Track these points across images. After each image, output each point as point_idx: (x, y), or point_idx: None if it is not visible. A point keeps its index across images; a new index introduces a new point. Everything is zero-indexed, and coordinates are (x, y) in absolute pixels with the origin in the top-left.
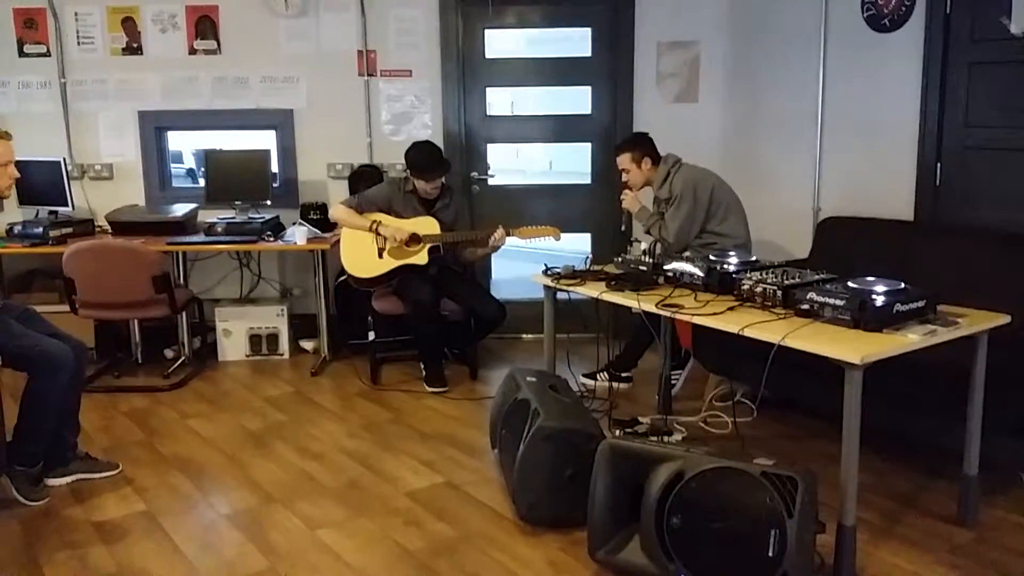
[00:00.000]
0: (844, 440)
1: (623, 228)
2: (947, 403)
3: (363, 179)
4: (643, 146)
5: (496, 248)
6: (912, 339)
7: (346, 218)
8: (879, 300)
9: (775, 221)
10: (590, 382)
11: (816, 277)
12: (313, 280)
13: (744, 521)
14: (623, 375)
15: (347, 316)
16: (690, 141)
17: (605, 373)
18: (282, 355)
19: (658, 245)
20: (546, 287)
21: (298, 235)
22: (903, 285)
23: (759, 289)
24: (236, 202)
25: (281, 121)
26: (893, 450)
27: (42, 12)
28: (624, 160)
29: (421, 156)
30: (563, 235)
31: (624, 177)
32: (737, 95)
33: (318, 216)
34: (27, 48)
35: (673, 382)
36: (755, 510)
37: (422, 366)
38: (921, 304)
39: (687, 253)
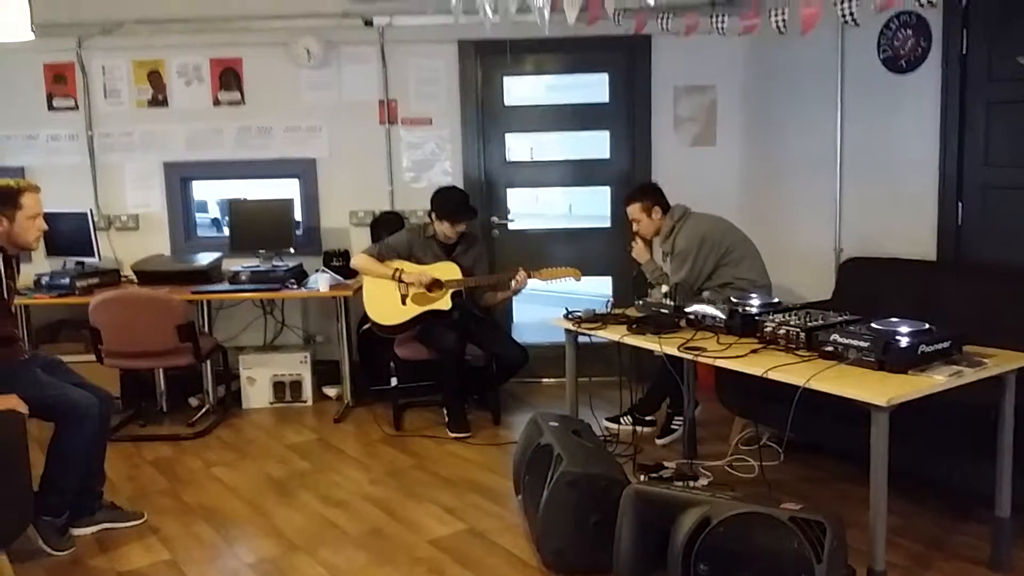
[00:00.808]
0: (872, 483)
1: (635, 274)
2: (975, 444)
3: (385, 226)
4: (652, 196)
5: (517, 291)
6: (938, 380)
7: (368, 267)
8: (904, 341)
9: (797, 262)
10: (613, 426)
11: (840, 319)
12: (336, 327)
13: (773, 567)
14: (647, 419)
15: (370, 362)
16: (708, 184)
17: (629, 417)
18: (305, 402)
19: (679, 288)
20: (567, 331)
21: (321, 282)
22: (927, 326)
23: (782, 331)
24: (260, 250)
25: (304, 170)
26: (921, 492)
27: (71, 67)
28: (634, 210)
29: (451, 202)
30: (584, 278)
31: (635, 227)
32: (755, 137)
33: (341, 263)
34: (56, 102)
35: (674, 428)
36: (783, 556)
37: (445, 412)
38: (946, 345)
39: (706, 294)
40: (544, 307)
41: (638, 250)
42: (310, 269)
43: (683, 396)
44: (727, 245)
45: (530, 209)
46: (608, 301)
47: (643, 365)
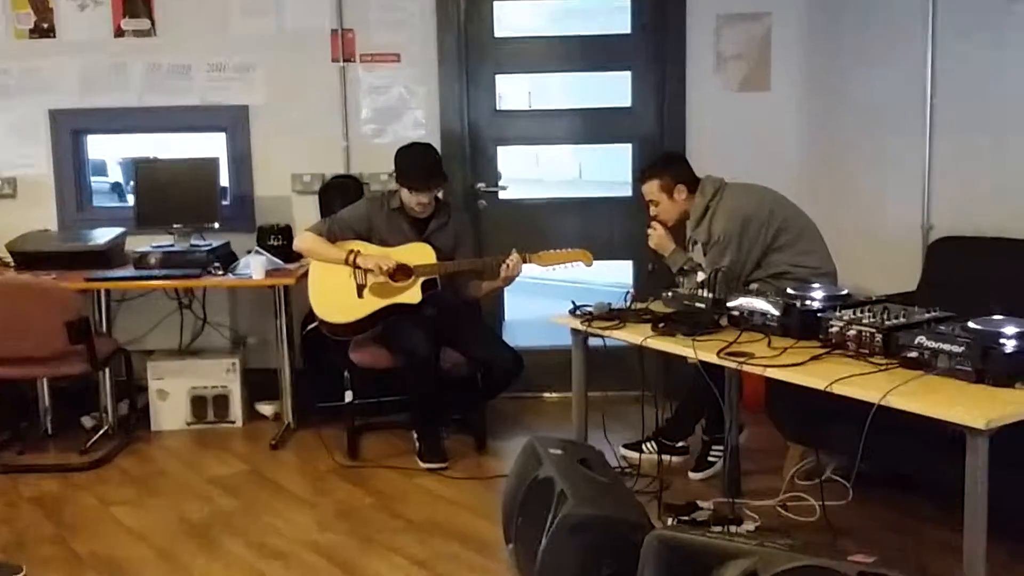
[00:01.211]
0: (967, 527)
1: (651, 267)
2: None
3: (338, 194)
4: (674, 170)
5: (510, 280)
6: None
7: (315, 248)
8: (1009, 346)
9: (872, 243)
10: (634, 454)
11: (927, 316)
12: (274, 325)
13: None
14: (677, 445)
15: (317, 371)
16: (759, 141)
17: (654, 443)
18: (233, 422)
19: (719, 276)
20: (574, 331)
21: (254, 267)
22: None
23: (852, 332)
24: (175, 226)
25: (233, 121)
26: None
27: None
28: (651, 190)
29: (412, 163)
30: (598, 263)
31: (652, 210)
32: (820, 81)
33: (280, 242)
34: None
35: (712, 458)
36: None
37: (415, 436)
38: None
39: (754, 286)
40: (544, 300)
41: (658, 239)
42: (240, 250)
43: (723, 417)
44: (778, 224)
45: (528, 173)
46: (628, 293)
47: (672, 376)
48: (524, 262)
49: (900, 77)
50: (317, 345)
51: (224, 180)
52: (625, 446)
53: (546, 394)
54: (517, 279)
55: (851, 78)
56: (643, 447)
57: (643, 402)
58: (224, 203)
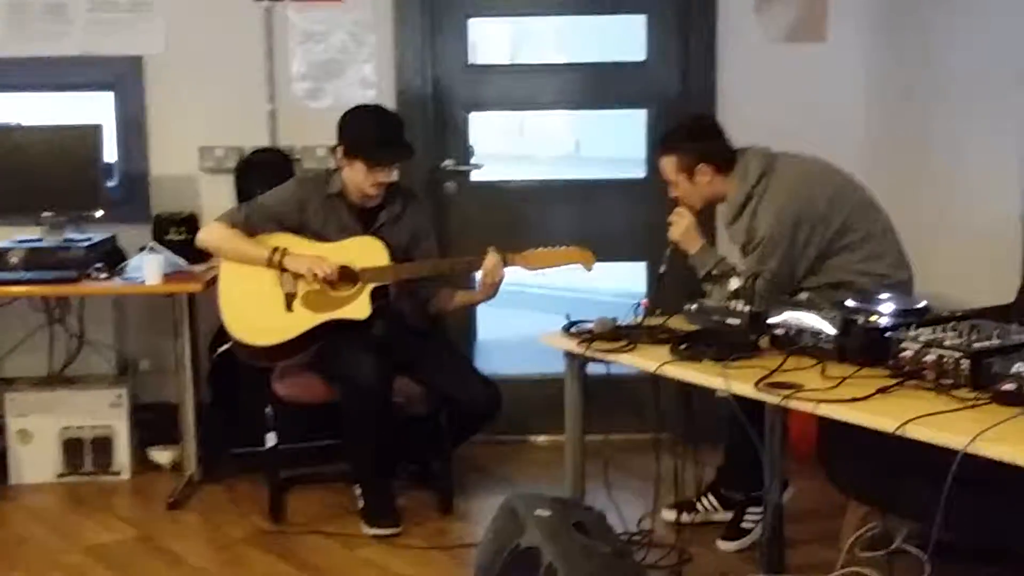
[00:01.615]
0: None
1: (662, 269)
2: None
3: (260, 174)
4: (698, 144)
5: (491, 289)
6: None
7: (227, 244)
8: None
9: (956, 241)
10: (684, 517)
11: None
12: (173, 347)
13: None
14: (749, 495)
15: (230, 407)
16: (812, 106)
17: (711, 498)
18: (118, 474)
19: (759, 282)
20: (569, 355)
21: (149, 269)
22: None
23: (931, 357)
24: (44, 214)
25: (122, 77)
26: None
27: None
28: (667, 166)
29: (369, 129)
30: (601, 266)
31: (672, 191)
32: (893, 31)
33: (184, 236)
34: None
35: (746, 524)
36: None
37: (358, 492)
38: None
39: (804, 295)
40: (529, 314)
41: (681, 229)
42: (130, 247)
43: (761, 468)
44: (841, 220)
45: (510, 148)
46: (639, 305)
47: (697, 414)
48: (505, 264)
49: (996, 27)
50: (231, 373)
51: (110, 154)
52: (671, 507)
53: (531, 437)
54: (498, 286)
55: (934, 28)
56: (698, 505)
57: (658, 449)
58: (109, 184)
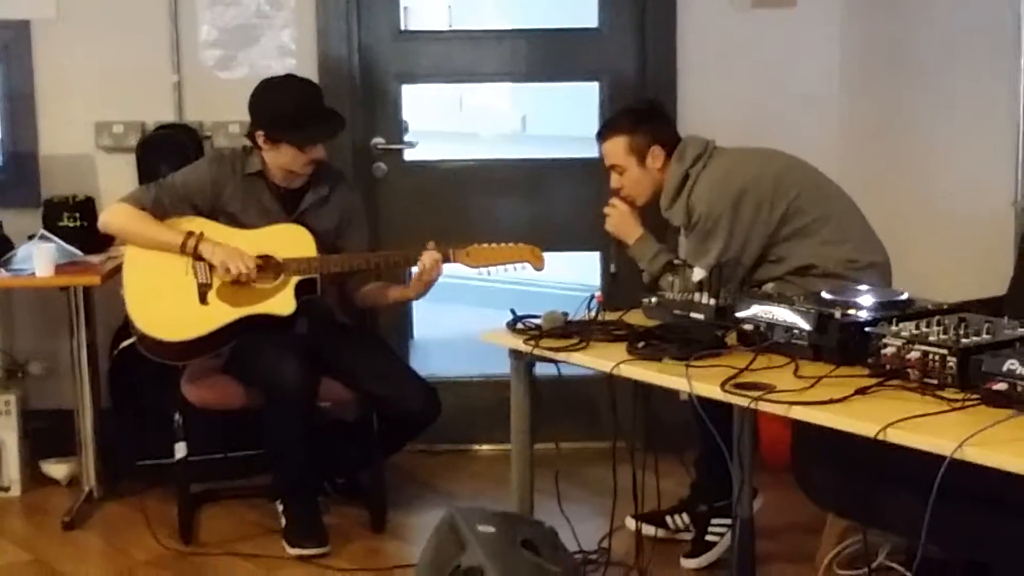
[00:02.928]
0: None
1: (613, 269)
2: None
3: (165, 153)
4: (650, 125)
5: (425, 286)
6: None
7: (134, 227)
8: None
9: (941, 227)
10: (650, 529)
11: (1020, 332)
12: (69, 346)
13: None
14: (710, 509)
15: (135, 414)
16: (781, 77)
17: (684, 516)
18: (7, 489)
19: (724, 271)
20: (515, 354)
21: (39, 259)
22: None
23: (915, 354)
24: None
25: (6, 44)
26: None
27: None
28: (615, 150)
29: (287, 101)
30: (551, 256)
31: (615, 181)
32: None
33: (79, 223)
34: None
35: (712, 537)
36: None
37: (280, 508)
38: None
39: (771, 286)
40: (470, 308)
41: (619, 219)
42: (17, 235)
43: (728, 477)
44: (789, 199)
45: (447, 124)
46: (593, 298)
47: (656, 418)
48: (446, 260)
49: None
50: (134, 374)
51: None
52: (636, 517)
53: (474, 446)
54: (434, 282)
55: None
56: (668, 520)
57: (615, 458)
58: None
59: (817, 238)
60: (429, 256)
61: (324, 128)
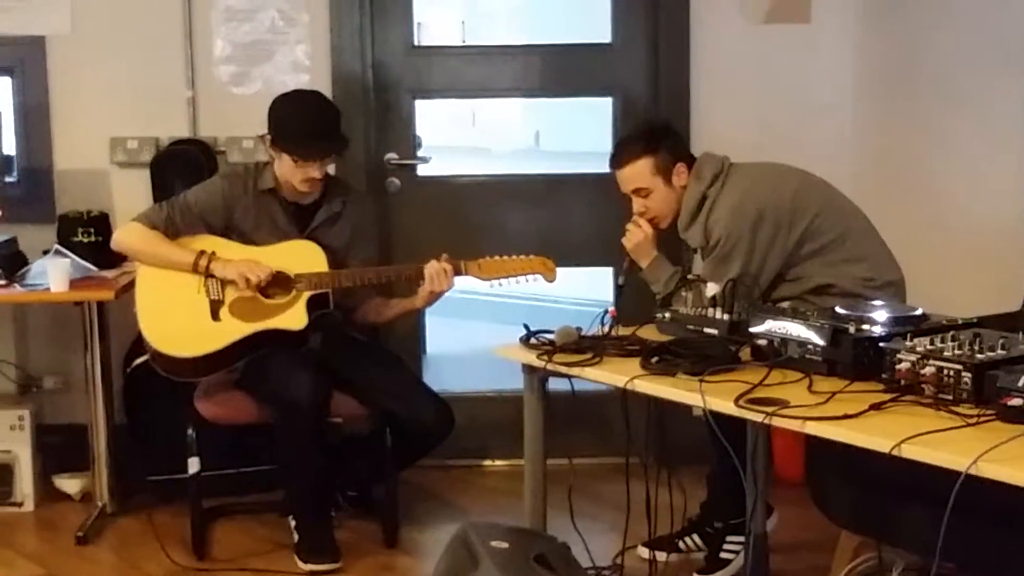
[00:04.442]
0: None
1: (620, 282)
2: None
3: (180, 168)
4: (670, 143)
5: (434, 297)
6: None
7: (146, 246)
8: None
9: (955, 242)
10: (660, 556)
11: None
12: (83, 361)
13: None
14: (725, 526)
15: (148, 429)
16: (795, 97)
17: (696, 537)
18: (20, 504)
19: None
20: (528, 369)
21: (54, 275)
22: None
23: (930, 370)
24: None
25: (22, 59)
26: None
27: None
28: (639, 173)
29: (293, 116)
30: (564, 271)
31: (639, 206)
32: (879, 11)
33: (93, 238)
34: None
35: (726, 554)
36: None
37: (292, 524)
38: None
39: (787, 304)
40: (483, 324)
41: (637, 240)
42: (32, 250)
43: (743, 493)
44: (807, 220)
45: (461, 140)
46: (606, 313)
47: (670, 434)
48: (458, 273)
49: (998, 7)
50: (147, 390)
51: (8, 147)
52: (648, 545)
53: (486, 462)
54: (445, 294)
55: (927, 7)
56: (680, 544)
57: (628, 474)
58: (8, 180)
59: (835, 256)
60: (433, 265)
61: (318, 148)
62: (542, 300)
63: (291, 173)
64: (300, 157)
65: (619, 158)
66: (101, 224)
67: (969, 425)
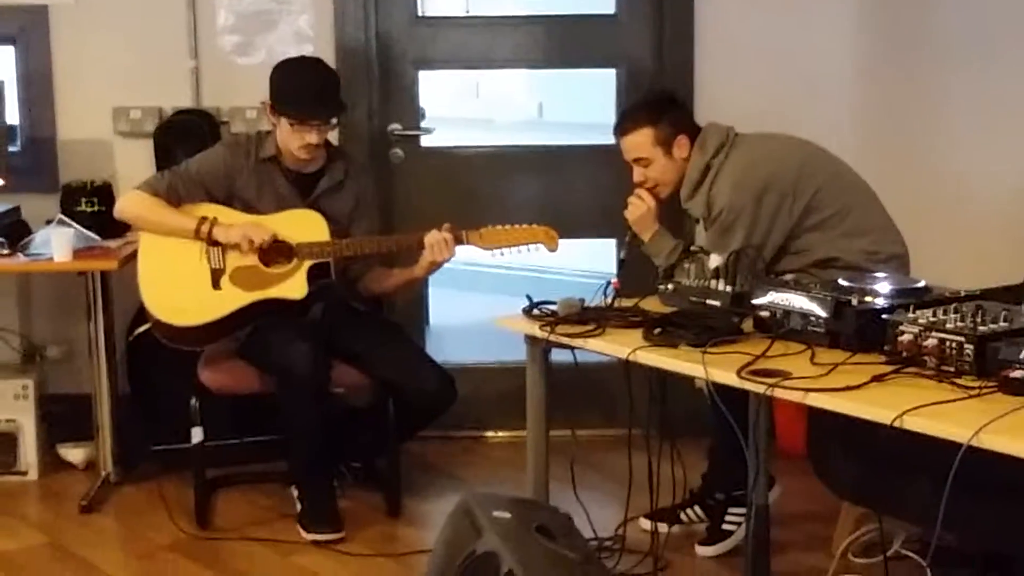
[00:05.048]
0: None
1: (621, 257)
2: None
3: (183, 138)
4: (673, 114)
5: (434, 266)
6: None
7: (149, 214)
8: None
9: (958, 215)
10: (661, 527)
11: None
12: (86, 330)
13: None
14: (727, 498)
15: (151, 399)
16: (800, 69)
17: (698, 509)
18: (24, 473)
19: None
20: (531, 340)
21: (57, 244)
22: None
23: (932, 342)
24: None
25: (25, 28)
26: None
27: None
28: (641, 143)
29: (291, 81)
30: (565, 243)
31: (638, 175)
32: None
33: (97, 207)
34: None
35: (728, 528)
36: None
37: (295, 493)
38: None
39: (790, 277)
40: (485, 295)
41: (642, 213)
42: (35, 219)
43: (744, 465)
44: (811, 192)
45: (464, 111)
46: (609, 285)
47: (672, 405)
48: (459, 243)
49: None
50: (150, 359)
51: (11, 116)
52: (650, 516)
53: (488, 433)
54: (445, 264)
55: None
56: (682, 515)
57: (630, 445)
58: (12, 149)
59: (838, 230)
60: (437, 234)
61: (316, 111)
62: (545, 272)
63: (290, 138)
64: (297, 120)
65: (622, 126)
66: (104, 194)
67: (971, 397)
